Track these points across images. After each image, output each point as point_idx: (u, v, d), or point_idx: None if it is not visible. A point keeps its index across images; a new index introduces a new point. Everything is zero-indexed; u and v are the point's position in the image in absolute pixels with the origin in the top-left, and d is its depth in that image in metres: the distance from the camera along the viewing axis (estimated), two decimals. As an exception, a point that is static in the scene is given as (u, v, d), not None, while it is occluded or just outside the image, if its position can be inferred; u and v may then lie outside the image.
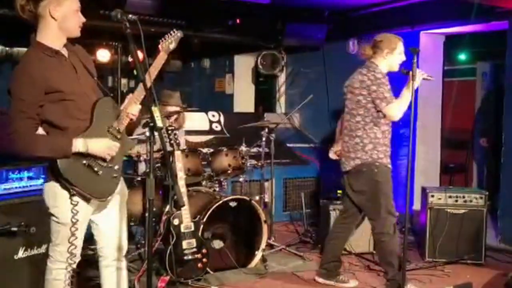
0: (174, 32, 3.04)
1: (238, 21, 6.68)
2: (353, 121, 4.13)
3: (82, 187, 2.74)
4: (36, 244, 3.35)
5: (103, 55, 7.01)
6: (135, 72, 8.01)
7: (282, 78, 8.26)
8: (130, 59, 7.42)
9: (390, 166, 4.14)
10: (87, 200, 2.80)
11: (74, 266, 2.89)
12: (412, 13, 6.06)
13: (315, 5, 6.67)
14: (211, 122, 7.16)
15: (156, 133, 2.61)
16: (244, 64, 8.60)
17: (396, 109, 3.97)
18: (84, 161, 2.74)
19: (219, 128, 7.16)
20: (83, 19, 2.81)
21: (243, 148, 5.15)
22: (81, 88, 2.80)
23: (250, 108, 8.58)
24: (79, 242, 2.84)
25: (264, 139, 5.36)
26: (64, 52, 2.81)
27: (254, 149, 5.72)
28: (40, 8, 2.68)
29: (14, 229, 3.19)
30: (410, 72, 3.92)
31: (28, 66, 2.68)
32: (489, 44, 6.75)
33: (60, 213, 2.79)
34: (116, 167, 2.87)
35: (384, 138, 4.08)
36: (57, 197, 2.78)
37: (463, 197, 4.96)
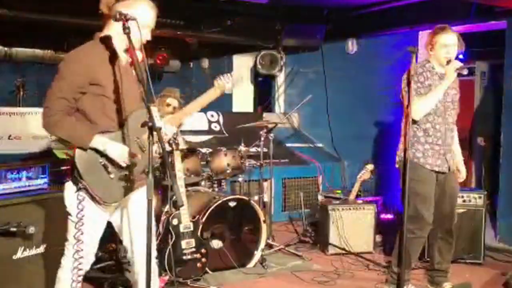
0: (232, 75, 3.15)
1: (228, 22, 6.68)
2: (403, 119, 4.07)
3: (89, 184, 2.74)
4: (35, 244, 3.35)
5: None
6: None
7: (281, 78, 8.26)
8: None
9: (432, 167, 3.98)
10: (93, 199, 2.79)
11: (85, 266, 2.89)
12: (411, 13, 6.07)
13: (314, 5, 6.68)
14: (210, 122, 7.16)
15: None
16: (243, 64, 8.60)
17: (414, 108, 3.82)
18: (101, 160, 2.76)
19: (218, 128, 7.16)
20: (148, 38, 2.85)
21: (242, 148, 5.15)
22: (124, 92, 2.84)
23: (249, 108, 8.59)
24: (87, 239, 2.82)
25: (263, 139, 5.37)
26: (122, 54, 2.87)
27: (253, 149, 5.72)
28: (113, 7, 2.77)
29: (13, 229, 3.19)
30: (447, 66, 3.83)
31: (80, 52, 2.78)
32: (488, 44, 6.75)
33: (71, 210, 2.82)
34: (131, 177, 2.85)
35: (427, 137, 3.97)
36: (68, 193, 2.83)
37: (462, 196, 4.95)
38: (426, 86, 3.93)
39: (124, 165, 2.78)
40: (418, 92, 3.91)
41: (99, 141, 2.73)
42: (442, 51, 3.93)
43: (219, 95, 3.16)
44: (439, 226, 4.13)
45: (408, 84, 3.76)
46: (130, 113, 2.84)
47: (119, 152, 2.75)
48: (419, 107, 3.86)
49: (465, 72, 3.94)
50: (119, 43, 2.83)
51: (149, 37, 2.86)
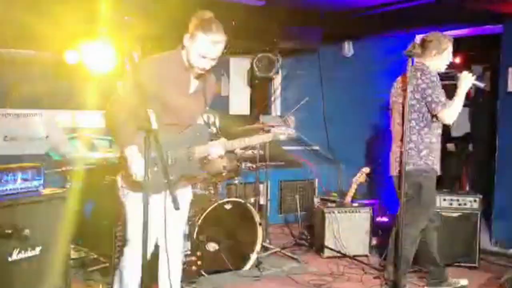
0: (289, 130, 3.33)
1: (233, 23, 6.68)
2: (404, 126, 4.02)
3: None
4: (30, 246, 3.33)
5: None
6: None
7: (277, 80, 8.26)
8: (126, 61, 7.38)
9: (439, 172, 4.09)
10: None
11: None
12: (407, 16, 6.08)
13: (311, 7, 6.68)
14: (206, 124, 7.12)
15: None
16: (239, 66, 8.59)
17: (450, 114, 3.90)
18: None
19: (214, 131, 7.14)
20: (204, 66, 2.96)
21: (238, 150, 5.14)
22: (184, 106, 3.03)
23: (246, 111, 8.57)
24: None
25: (259, 141, 5.35)
26: (192, 73, 3.03)
27: (249, 152, 5.71)
28: (189, 25, 2.96)
29: (8, 231, 3.17)
30: (460, 75, 3.94)
31: (153, 61, 2.95)
32: (484, 48, 6.78)
33: None
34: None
35: (437, 144, 4.05)
36: None
37: (457, 200, 4.97)
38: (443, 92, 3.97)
39: (135, 179, 2.84)
40: (445, 98, 3.93)
41: (128, 152, 2.83)
42: (447, 58, 4.06)
43: (270, 140, 3.44)
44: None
45: (404, 90, 3.80)
46: (188, 128, 3.06)
47: (135, 166, 2.82)
48: (455, 114, 3.91)
49: (483, 86, 4.12)
50: (186, 62, 2.98)
51: (204, 66, 2.98)
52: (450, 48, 4.06)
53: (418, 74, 3.97)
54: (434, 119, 3.97)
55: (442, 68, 4.09)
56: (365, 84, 6.78)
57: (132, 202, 2.99)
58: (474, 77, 3.95)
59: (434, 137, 4.01)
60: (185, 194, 3.24)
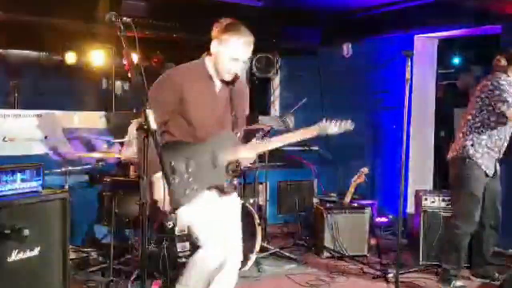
0: (344, 122, 3.27)
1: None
2: (464, 119, 4.31)
3: None
4: (29, 247, 3.33)
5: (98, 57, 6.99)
6: (129, 75, 7.97)
7: (276, 81, 8.26)
8: (124, 62, 7.38)
9: (486, 169, 4.21)
10: None
11: None
12: (407, 17, 6.08)
13: (310, 9, 6.68)
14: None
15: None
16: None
17: None
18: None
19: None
20: (236, 71, 2.94)
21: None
22: (212, 115, 2.98)
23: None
24: None
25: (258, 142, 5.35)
26: (216, 80, 2.99)
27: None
28: (212, 33, 2.95)
29: (7, 231, 3.17)
30: None
31: (174, 72, 2.99)
32: (483, 48, 6.78)
33: None
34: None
35: (492, 147, 4.21)
36: None
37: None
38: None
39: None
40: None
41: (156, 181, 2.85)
42: None
43: (316, 135, 3.24)
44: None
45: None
46: (214, 135, 2.98)
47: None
48: None
49: None
50: (212, 68, 2.97)
51: (236, 71, 2.95)
52: None
53: (489, 76, 4.20)
54: (498, 124, 4.15)
55: None
56: (364, 84, 6.78)
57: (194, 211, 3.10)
58: None
59: (484, 135, 4.19)
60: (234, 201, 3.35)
